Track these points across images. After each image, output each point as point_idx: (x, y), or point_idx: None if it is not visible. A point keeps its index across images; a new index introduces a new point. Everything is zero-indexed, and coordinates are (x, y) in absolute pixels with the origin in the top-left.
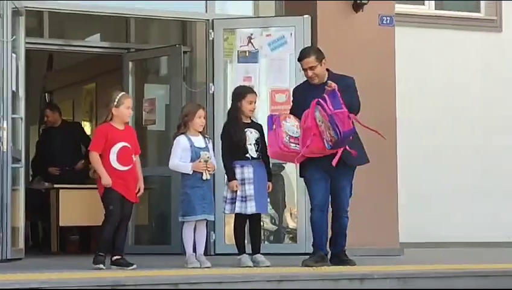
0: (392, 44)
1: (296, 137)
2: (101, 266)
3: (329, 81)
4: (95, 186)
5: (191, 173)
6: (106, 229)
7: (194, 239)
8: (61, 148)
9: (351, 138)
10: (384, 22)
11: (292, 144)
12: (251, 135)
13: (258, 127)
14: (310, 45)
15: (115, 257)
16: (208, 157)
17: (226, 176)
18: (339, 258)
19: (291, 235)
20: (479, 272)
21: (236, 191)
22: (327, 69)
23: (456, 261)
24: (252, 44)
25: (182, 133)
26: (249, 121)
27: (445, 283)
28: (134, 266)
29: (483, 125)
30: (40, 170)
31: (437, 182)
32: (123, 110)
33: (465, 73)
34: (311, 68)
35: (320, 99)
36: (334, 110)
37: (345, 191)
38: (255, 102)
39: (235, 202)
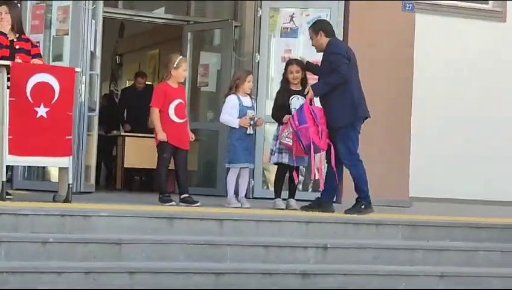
0: (412, 27)
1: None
2: (173, 203)
3: (308, 87)
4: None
5: (237, 128)
6: (161, 170)
7: (237, 183)
8: (139, 106)
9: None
10: (406, 8)
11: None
12: (297, 101)
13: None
14: (342, 24)
15: (183, 196)
16: (253, 115)
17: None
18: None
19: (315, 186)
20: (475, 224)
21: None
22: (331, 39)
23: (455, 214)
24: (293, 22)
25: (233, 94)
26: (299, 89)
27: (446, 231)
28: (199, 203)
29: (488, 98)
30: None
31: (446, 148)
32: (180, 72)
33: (473, 52)
34: (311, 38)
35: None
36: (300, 125)
37: (338, 147)
38: (296, 71)
39: (281, 152)
